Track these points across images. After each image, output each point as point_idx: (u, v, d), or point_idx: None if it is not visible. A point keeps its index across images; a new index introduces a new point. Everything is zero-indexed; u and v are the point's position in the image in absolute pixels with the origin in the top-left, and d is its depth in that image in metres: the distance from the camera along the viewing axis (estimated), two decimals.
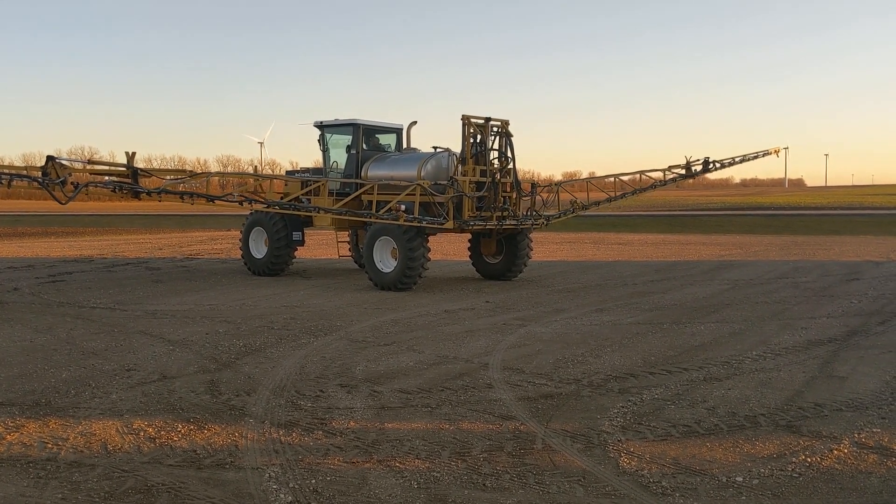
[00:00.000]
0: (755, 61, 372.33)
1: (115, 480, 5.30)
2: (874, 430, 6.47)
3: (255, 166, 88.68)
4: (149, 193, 14.76)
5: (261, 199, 16.81)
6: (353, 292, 15.49)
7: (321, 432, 6.36)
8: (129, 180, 14.44)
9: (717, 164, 21.57)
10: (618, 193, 20.59)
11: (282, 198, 18.14)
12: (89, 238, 35.27)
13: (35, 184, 13.36)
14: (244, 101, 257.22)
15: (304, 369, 8.59)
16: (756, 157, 23.15)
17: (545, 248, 27.66)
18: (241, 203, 16.67)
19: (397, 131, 19.02)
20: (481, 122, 16.40)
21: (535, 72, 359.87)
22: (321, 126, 18.69)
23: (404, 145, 18.79)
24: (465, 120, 16.19)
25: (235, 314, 12.47)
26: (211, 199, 15.97)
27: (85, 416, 6.75)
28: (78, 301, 13.96)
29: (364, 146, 18.20)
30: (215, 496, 5.05)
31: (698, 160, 21.02)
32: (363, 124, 18.12)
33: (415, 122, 18.82)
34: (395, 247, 15.78)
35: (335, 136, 18.78)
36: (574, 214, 19.54)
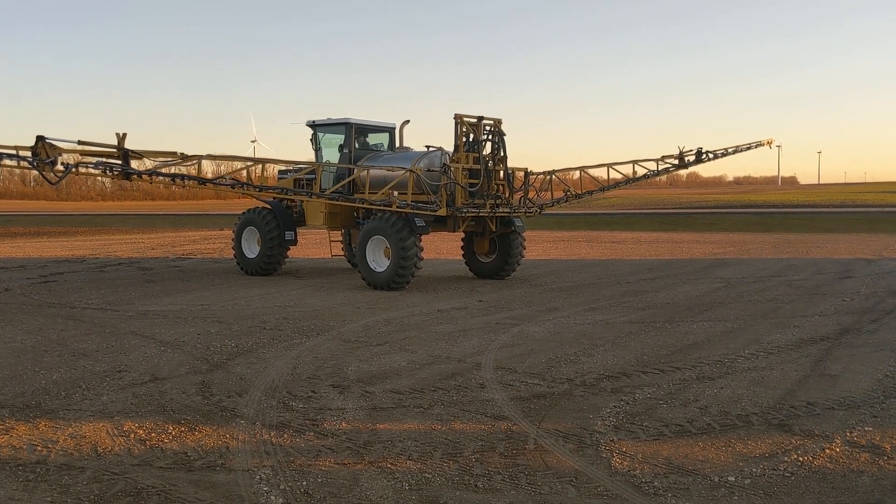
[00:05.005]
0: (747, 58, 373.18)
1: (105, 483, 5.27)
2: (866, 428, 6.47)
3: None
4: (139, 175, 14.61)
5: (252, 184, 16.73)
6: (346, 292, 15.46)
7: (313, 433, 6.34)
8: (119, 161, 14.27)
9: (710, 155, 21.72)
10: (611, 183, 20.72)
11: (275, 197, 18.15)
12: (82, 238, 35.15)
13: (25, 164, 13.23)
14: (240, 99, 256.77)
15: (296, 370, 8.56)
16: (749, 149, 23.31)
17: (538, 246, 27.67)
18: (232, 187, 16.57)
19: (390, 130, 19.00)
20: (474, 121, 16.39)
21: (529, 70, 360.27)
22: (314, 125, 18.65)
23: (397, 144, 18.77)
24: (458, 119, 16.18)
25: (227, 314, 12.43)
26: (202, 181, 15.83)
27: (75, 418, 6.71)
28: (69, 302, 13.89)
29: (357, 145, 18.17)
30: (206, 499, 5.03)
31: (691, 150, 21.17)
32: (356, 123, 18.09)
33: (407, 121, 18.84)
34: (388, 246, 15.75)
35: (328, 136, 18.75)
36: (567, 202, 19.59)
